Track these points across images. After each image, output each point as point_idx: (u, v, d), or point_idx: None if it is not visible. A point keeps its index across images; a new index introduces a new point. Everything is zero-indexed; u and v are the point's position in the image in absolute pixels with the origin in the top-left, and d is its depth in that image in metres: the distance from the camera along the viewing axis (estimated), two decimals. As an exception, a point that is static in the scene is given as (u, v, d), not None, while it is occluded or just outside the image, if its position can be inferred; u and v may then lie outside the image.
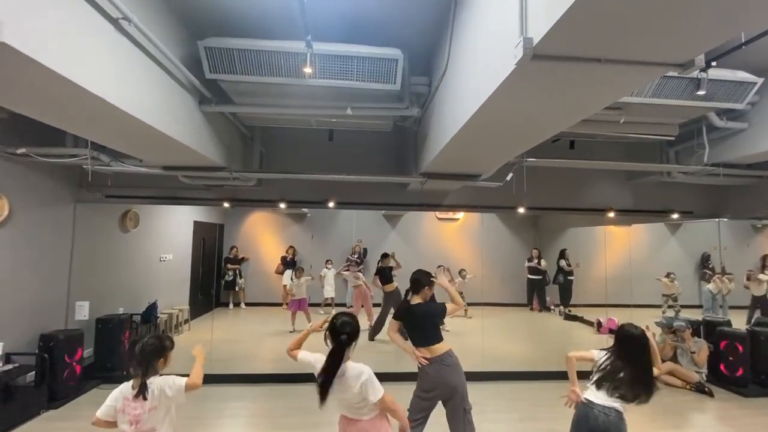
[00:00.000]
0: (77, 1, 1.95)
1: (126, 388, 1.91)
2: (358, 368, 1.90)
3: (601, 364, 2.22)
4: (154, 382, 1.89)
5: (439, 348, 2.62)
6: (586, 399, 2.19)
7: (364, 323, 6.43)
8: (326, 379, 1.85)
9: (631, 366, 2.13)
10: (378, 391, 1.89)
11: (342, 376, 1.88)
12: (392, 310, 5.59)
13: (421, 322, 2.68)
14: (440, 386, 2.59)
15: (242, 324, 7.33)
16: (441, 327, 2.73)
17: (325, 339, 1.98)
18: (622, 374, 2.12)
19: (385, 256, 6.22)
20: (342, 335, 1.89)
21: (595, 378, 2.22)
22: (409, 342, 2.74)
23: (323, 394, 1.85)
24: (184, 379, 1.91)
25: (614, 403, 2.12)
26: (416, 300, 2.73)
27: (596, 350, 2.31)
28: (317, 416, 3.68)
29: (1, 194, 3.69)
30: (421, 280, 2.75)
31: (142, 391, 1.84)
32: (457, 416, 2.65)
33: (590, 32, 1.51)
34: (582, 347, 2.42)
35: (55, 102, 2.23)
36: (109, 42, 2.20)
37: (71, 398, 3.96)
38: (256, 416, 3.80)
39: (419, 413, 2.64)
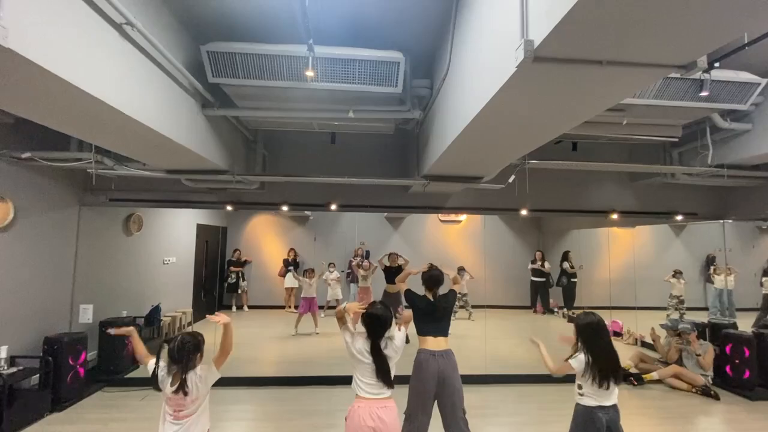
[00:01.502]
0: (81, 6, 1.97)
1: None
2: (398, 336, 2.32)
3: (584, 366, 2.22)
4: (191, 377, 1.99)
5: (445, 342, 2.77)
6: (585, 405, 2.22)
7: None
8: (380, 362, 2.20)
9: (603, 351, 2.20)
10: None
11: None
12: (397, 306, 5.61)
13: (437, 311, 2.82)
14: (440, 373, 2.66)
15: (245, 327, 7.33)
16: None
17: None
18: (601, 362, 2.18)
19: (391, 255, 6.09)
20: (377, 338, 2.22)
21: (584, 380, 2.23)
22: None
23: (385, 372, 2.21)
24: (211, 361, 2.07)
25: (610, 398, 2.19)
26: (428, 295, 2.88)
27: (572, 360, 2.27)
28: (320, 419, 3.68)
29: (6, 198, 3.73)
30: (440, 278, 2.90)
31: (182, 388, 1.93)
32: (455, 418, 2.66)
33: (591, 34, 1.51)
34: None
35: (59, 106, 2.25)
36: (112, 47, 2.22)
37: (75, 401, 3.97)
38: (258, 419, 3.80)
39: (422, 414, 2.66)
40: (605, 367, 2.17)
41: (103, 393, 4.27)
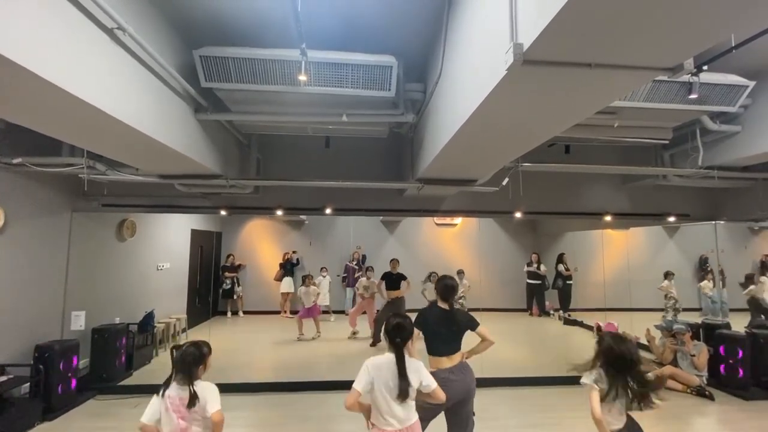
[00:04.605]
0: (71, 11, 1.97)
1: (171, 388, 1.99)
2: (414, 363, 2.11)
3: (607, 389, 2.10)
4: (201, 395, 1.96)
5: (459, 356, 2.64)
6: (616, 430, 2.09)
7: (365, 329, 6.40)
8: (403, 380, 2.02)
9: (631, 375, 2.08)
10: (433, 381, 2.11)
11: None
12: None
13: (447, 329, 2.62)
14: (463, 393, 2.56)
15: (240, 332, 7.28)
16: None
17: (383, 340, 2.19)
18: (630, 385, 2.07)
19: (392, 261, 6.16)
20: (396, 338, 2.08)
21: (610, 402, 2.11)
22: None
23: (406, 394, 2.01)
24: (216, 410, 1.97)
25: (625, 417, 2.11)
26: (443, 305, 2.66)
27: (588, 380, 2.17)
28: (316, 425, 3.65)
29: (-4, 204, 3.69)
30: (455, 287, 2.69)
31: (192, 401, 1.93)
32: (464, 421, 2.62)
33: (579, 37, 1.53)
34: (582, 351, 2.37)
35: (50, 112, 2.24)
36: (104, 52, 2.21)
37: (67, 410, 3.90)
38: (254, 425, 3.76)
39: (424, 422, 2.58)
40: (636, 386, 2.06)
41: (95, 401, 4.21)
